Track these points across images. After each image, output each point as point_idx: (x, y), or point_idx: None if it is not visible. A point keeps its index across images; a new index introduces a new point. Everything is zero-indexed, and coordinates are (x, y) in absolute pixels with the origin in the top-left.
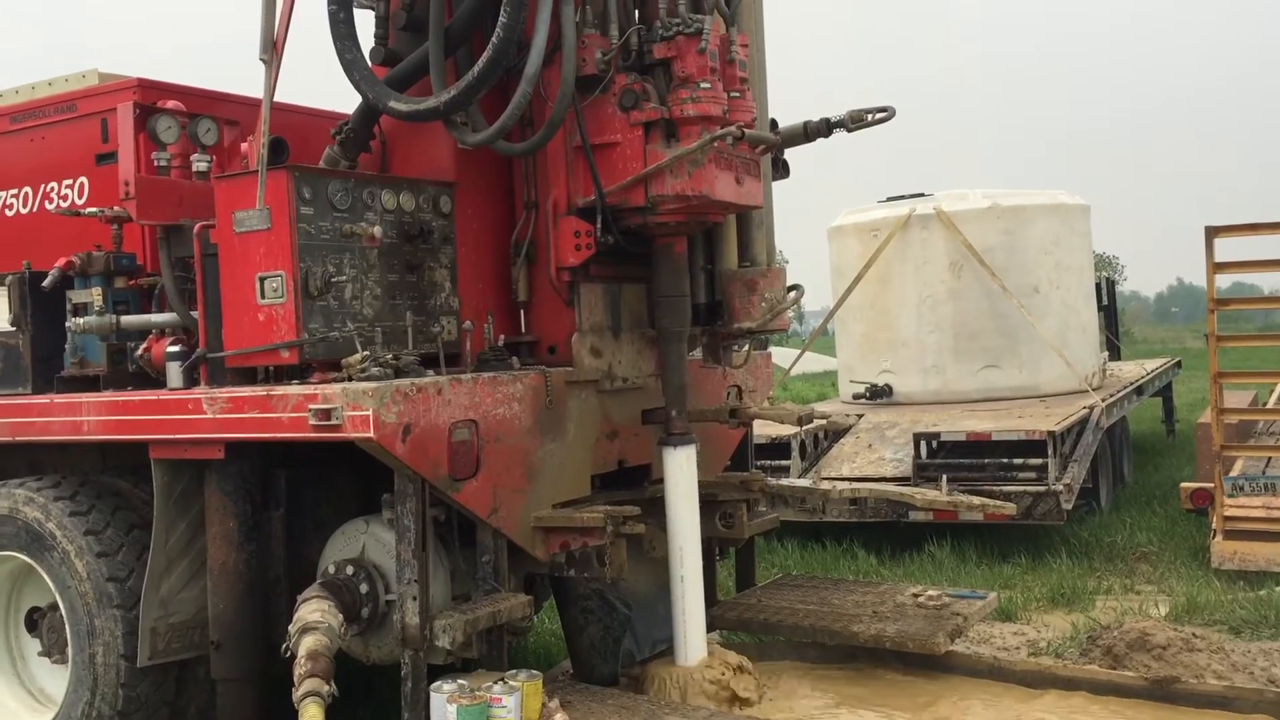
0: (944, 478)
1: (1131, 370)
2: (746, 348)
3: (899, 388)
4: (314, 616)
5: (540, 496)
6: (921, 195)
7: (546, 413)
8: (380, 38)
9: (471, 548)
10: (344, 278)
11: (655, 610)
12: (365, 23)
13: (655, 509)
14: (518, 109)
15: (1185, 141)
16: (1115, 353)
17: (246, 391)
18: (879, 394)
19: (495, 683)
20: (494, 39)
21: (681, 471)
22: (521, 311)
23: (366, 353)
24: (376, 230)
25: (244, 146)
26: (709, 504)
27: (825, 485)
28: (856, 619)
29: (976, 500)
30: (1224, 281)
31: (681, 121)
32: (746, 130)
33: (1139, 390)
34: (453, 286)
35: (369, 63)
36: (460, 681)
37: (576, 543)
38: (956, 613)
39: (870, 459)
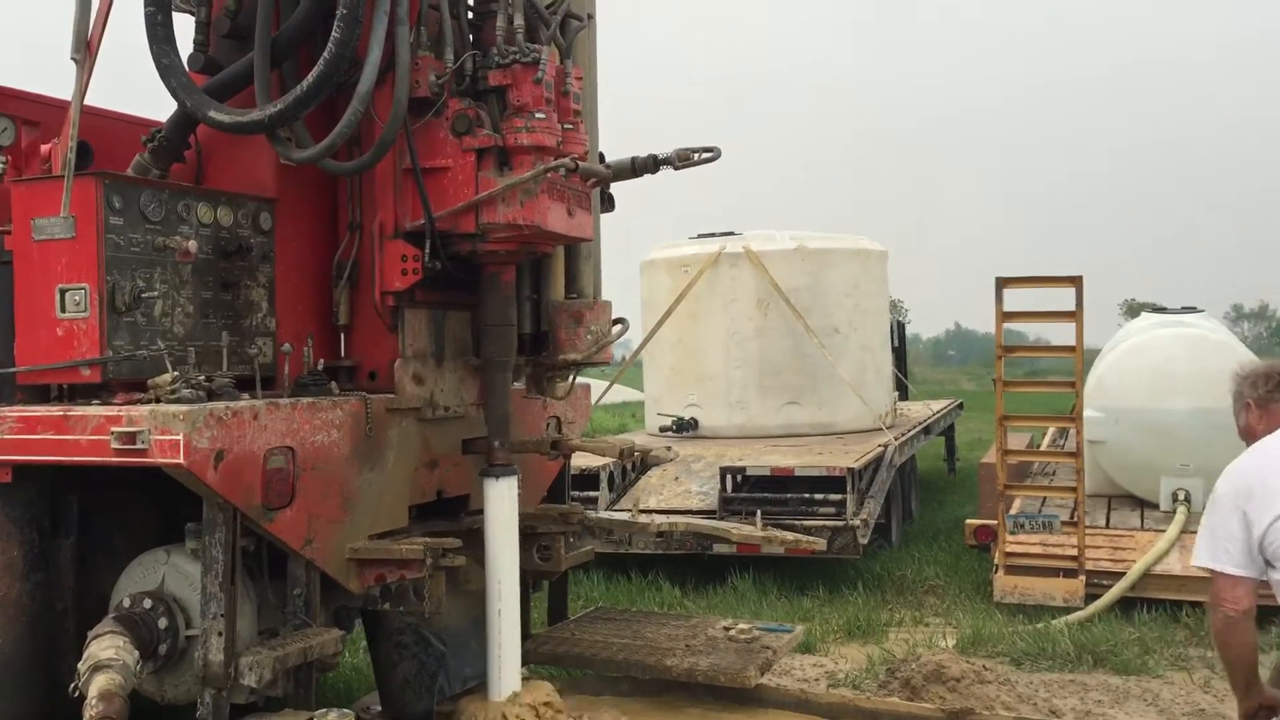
0: (759, 513)
1: (919, 410)
2: (571, 379)
3: (705, 422)
4: (107, 654)
5: (357, 527)
6: (731, 234)
7: (366, 441)
8: (200, 44)
9: (280, 580)
10: (154, 293)
11: (467, 645)
12: (184, 28)
13: (472, 541)
14: (348, 127)
15: (971, 190)
16: (904, 393)
17: (40, 411)
18: (685, 427)
19: None
20: (326, 54)
21: (503, 503)
22: (342, 335)
23: (176, 373)
24: (191, 245)
25: (45, 149)
26: (526, 536)
27: (645, 519)
28: (670, 652)
29: (790, 536)
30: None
31: (515, 150)
32: (580, 163)
33: (927, 429)
34: (270, 307)
35: (187, 69)
36: None
37: (393, 575)
38: (766, 646)
39: (677, 491)
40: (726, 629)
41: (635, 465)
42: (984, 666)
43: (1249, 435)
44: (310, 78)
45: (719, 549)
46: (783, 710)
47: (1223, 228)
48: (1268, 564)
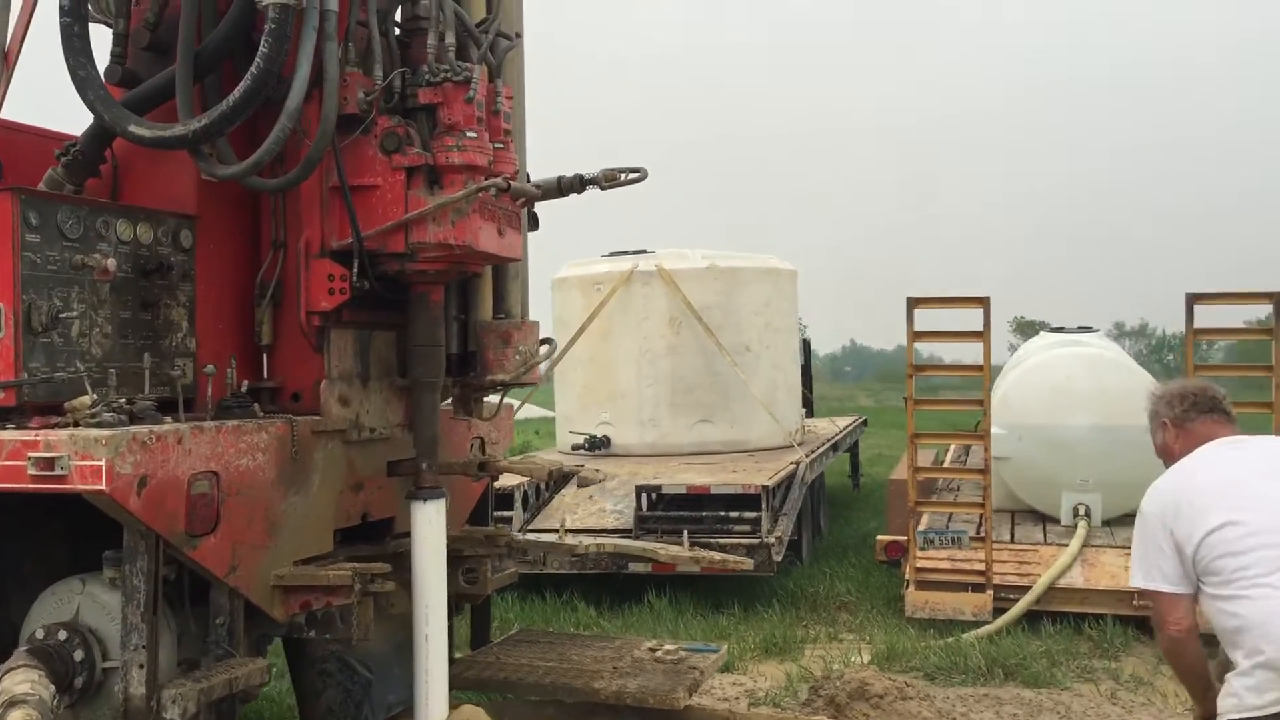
0: (685, 532)
1: (826, 427)
2: (499, 400)
3: (617, 440)
4: (22, 688)
5: (282, 553)
6: (644, 252)
7: (291, 464)
8: (118, 56)
9: (201, 608)
10: (72, 313)
11: (391, 671)
12: (101, 39)
13: (398, 564)
14: (276, 143)
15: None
16: (810, 409)
17: None
18: (597, 445)
19: None
20: (254, 69)
21: (431, 526)
22: (264, 355)
23: (95, 396)
24: (110, 263)
25: None
26: (452, 559)
27: (571, 540)
28: (597, 675)
29: (718, 556)
30: (890, 345)
31: (446, 169)
32: (512, 182)
33: (835, 446)
34: (191, 326)
35: (104, 82)
36: None
37: (320, 602)
38: (693, 666)
39: (591, 510)
40: (652, 650)
41: (549, 485)
42: (906, 683)
43: (1166, 454)
44: (237, 93)
45: (634, 568)
46: None
47: (1109, 247)
48: (1199, 580)
